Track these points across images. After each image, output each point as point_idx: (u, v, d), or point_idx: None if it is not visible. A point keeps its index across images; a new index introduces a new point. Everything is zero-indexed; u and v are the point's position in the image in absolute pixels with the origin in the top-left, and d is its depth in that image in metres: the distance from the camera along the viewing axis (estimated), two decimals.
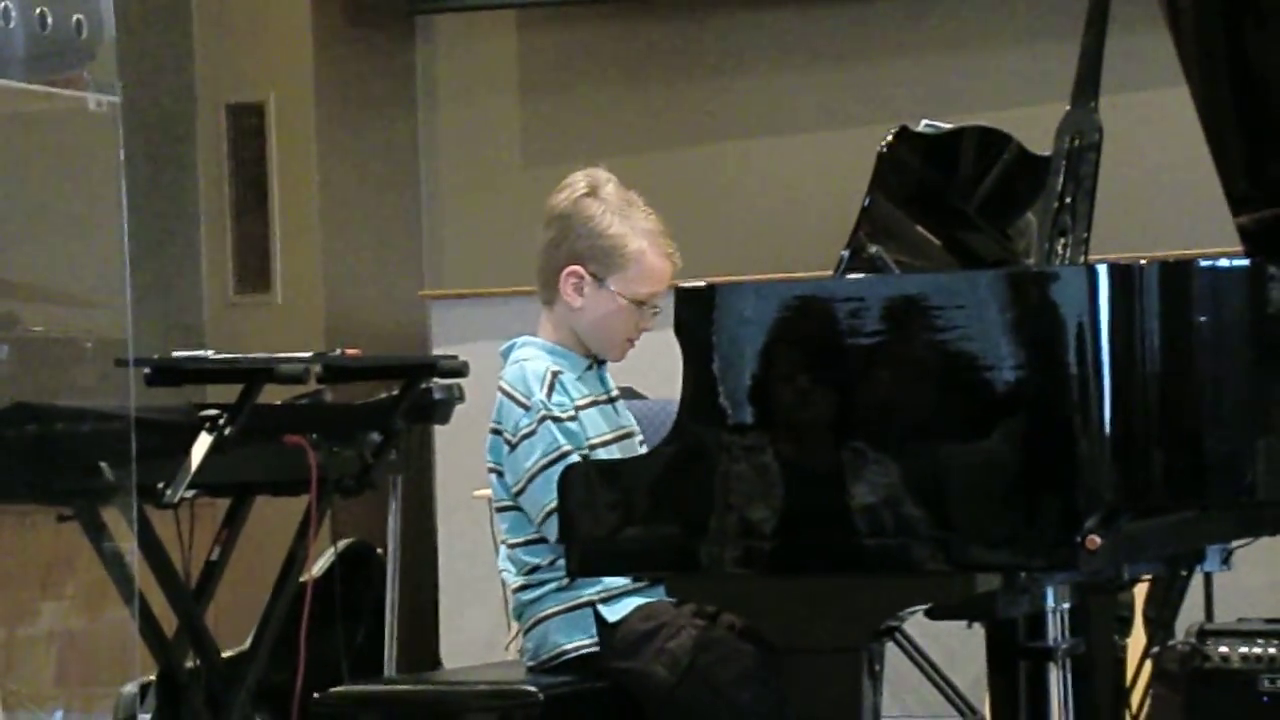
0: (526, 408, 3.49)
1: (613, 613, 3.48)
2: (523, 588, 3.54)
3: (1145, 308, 2.90)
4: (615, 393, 3.65)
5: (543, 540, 3.50)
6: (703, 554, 3.02)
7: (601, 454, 3.52)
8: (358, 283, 6.23)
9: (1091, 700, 3.56)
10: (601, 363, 3.63)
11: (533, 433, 3.47)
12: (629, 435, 3.62)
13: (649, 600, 3.48)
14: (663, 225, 3.60)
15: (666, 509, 3.05)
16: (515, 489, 3.50)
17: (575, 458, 3.45)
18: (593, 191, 3.56)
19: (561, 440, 3.47)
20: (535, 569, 3.52)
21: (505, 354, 3.59)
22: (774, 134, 6.07)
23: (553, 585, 3.50)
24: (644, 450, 3.60)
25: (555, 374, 3.52)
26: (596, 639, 3.49)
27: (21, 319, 4.14)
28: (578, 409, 3.53)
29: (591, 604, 3.49)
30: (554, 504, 3.16)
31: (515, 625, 3.63)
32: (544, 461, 3.45)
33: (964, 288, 2.95)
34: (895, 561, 2.94)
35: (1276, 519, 3.29)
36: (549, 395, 3.49)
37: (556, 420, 3.48)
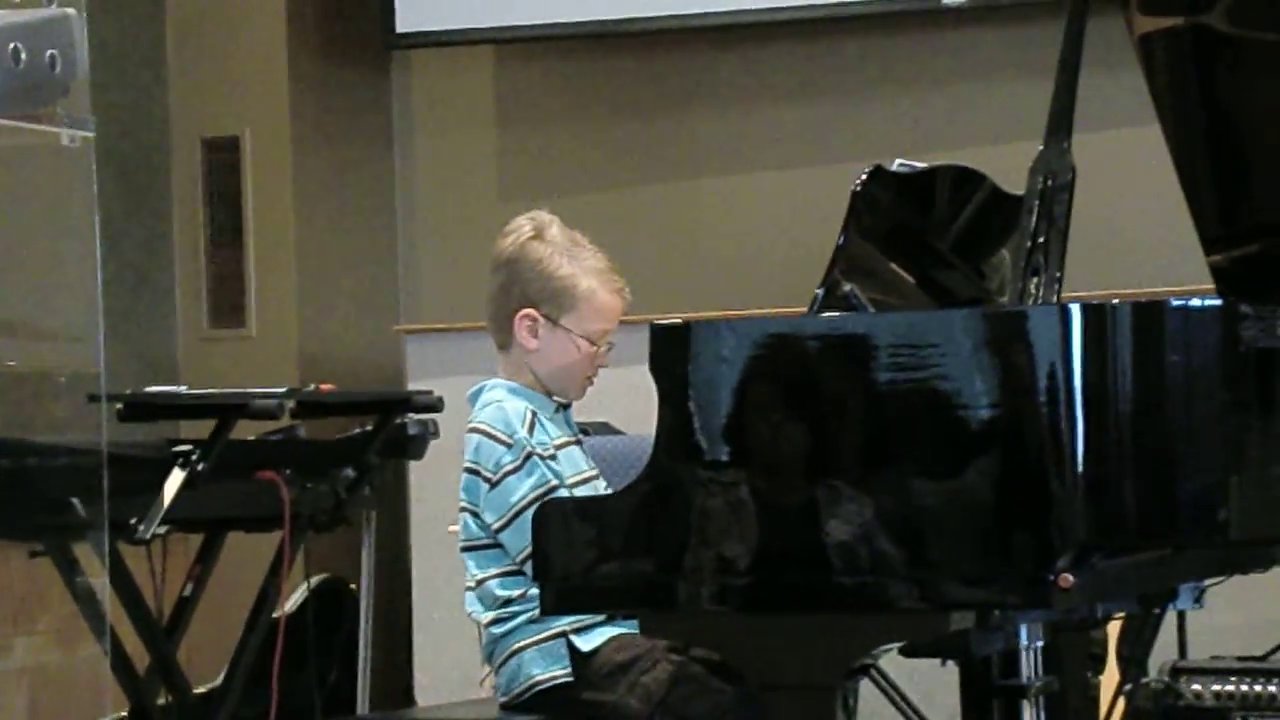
0: (509, 444, 3.49)
1: (586, 642, 3.49)
2: (494, 621, 3.54)
3: (1118, 347, 2.90)
4: (579, 435, 3.67)
5: (512, 574, 3.50)
6: (678, 591, 3.02)
7: (581, 492, 3.52)
8: (333, 317, 6.22)
9: None
10: (567, 405, 3.64)
11: (519, 468, 3.48)
12: (597, 476, 3.63)
13: (623, 631, 3.48)
14: (611, 262, 3.62)
15: (641, 546, 3.05)
16: (497, 525, 3.50)
17: (564, 493, 3.45)
18: (538, 234, 3.59)
19: (549, 476, 3.48)
20: (508, 601, 3.52)
21: (473, 398, 3.60)
22: (748, 171, 6.08)
23: (524, 618, 3.51)
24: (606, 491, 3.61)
25: (534, 414, 3.54)
26: (570, 669, 3.48)
27: None
28: (556, 448, 3.54)
29: (564, 634, 3.49)
30: None
31: (487, 665, 3.63)
32: (533, 495, 3.46)
33: (938, 326, 2.96)
34: (870, 599, 2.94)
35: (1249, 558, 3.30)
36: (530, 434, 3.50)
37: (540, 457, 3.49)
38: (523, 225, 3.62)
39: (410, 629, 5.81)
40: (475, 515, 3.54)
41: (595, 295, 3.57)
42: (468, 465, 3.54)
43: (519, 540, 3.46)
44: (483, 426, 3.53)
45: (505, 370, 3.62)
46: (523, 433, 3.49)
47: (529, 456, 3.48)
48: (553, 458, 3.52)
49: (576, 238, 3.62)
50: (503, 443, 3.50)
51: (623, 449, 3.93)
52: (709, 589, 3.00)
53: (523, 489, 3.47)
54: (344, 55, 6.31)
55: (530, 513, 3.39)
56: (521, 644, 3.51)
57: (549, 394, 3.61)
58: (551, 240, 3.59)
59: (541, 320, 3.57)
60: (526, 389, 3.59)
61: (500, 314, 3.61)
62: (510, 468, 3.48)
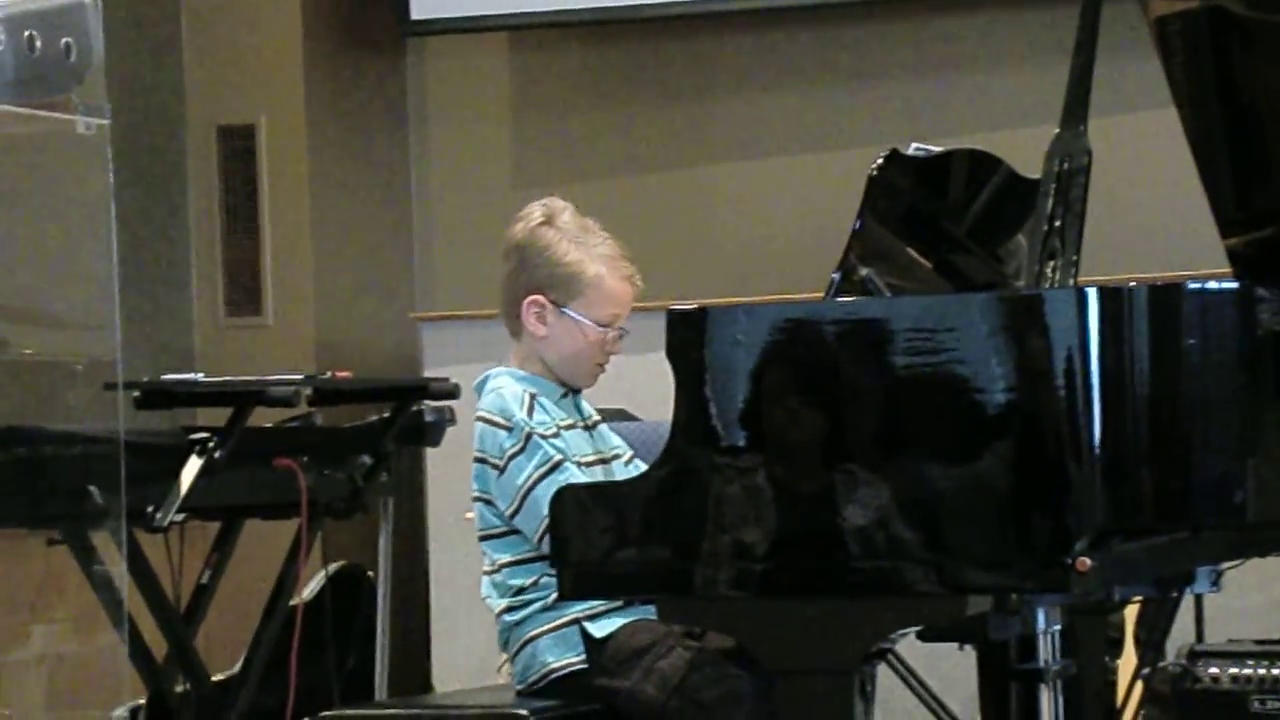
0: (509, 429, 3.50)
1: (599, 629, 3.49)
2: (508, 609, 3.54)
3: (1135, 330, 2.90)
4: (594, 418, 3.65)
5: (527, 561, 3.50)
6: (696, 576, 3.02)
7: (585, 474, 3.52)
8: (349, 305, 6.23)
9: None
10: (577, 391, 3.64)
11: (521, 450, 3.48)
12: (613, 458, 3.62)
13: (637, 618, 3.48)
14: (622, 249, 3.61)
15: (659, 531, 3.05)
16: (510, 510, 3.50)
17: (570, 466, 3.46)
18: (549, 220, 3.59)
19: (552, 452, 3.48)
20: (521, 590, 3.52)
21: (479, 387, 3.60)
22: (764, 156, 6.07)
23: (538, 605, 3.51)
24: (636, 468, 3.61)
25: (533, 396, 3.54)
26: (584, 656, 3.49)
27: (11, 342, 4.14)
28: (559, 429, 3.54)
29: (578, 621, 3.49)
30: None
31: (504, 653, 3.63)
32: (538, 474, 3.46)
33: (955, 310, 2.96)
34: (887, 583, 2.94)
35: (1266, 541, 3.29)
36: (529, 415, 3.50)
37: (543, 436, 3.49)
38: (534, 211, 3.62)
39: (428, 616, 5.82)
40: (488, 504, 3.54)
41: (603, 281, 3.57)
42: (476, 455, 3.54)
43: (532, 521, 3.46)
44: (484, 414, 3.54)
45: (517, 358, 3.62)
46: (521, 415, 3.49)
47: (529, 437, 3.48)
48: (556, 436, 3.52)
49: (588, 224, 3.61)
50: (502, 428, 3.50)
51: (639, 435, 3.92)
52: (726, 574, 3.00)
53: (527, 469, 3.47)
54: (359, 42, 6.31)
55: (539, 492, 3.41)
56: (535, 632, 3.51)
57: (560, 382, 3.61)
58: (561, 226, 3.58)
59: (549, 306, 3.57)
60: (534, 376, 3.58)
61: (509, 300, 3.60)
62: (513, 451, 3.49)
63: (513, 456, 3.49)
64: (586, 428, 3.63)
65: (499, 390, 3.54)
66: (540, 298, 3.57)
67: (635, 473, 3.60)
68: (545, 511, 3.34)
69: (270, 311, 6.17)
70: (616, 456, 3.64)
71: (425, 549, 5.86)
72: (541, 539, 3.44)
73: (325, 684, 4.77)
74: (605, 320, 3.57)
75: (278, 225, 6.17)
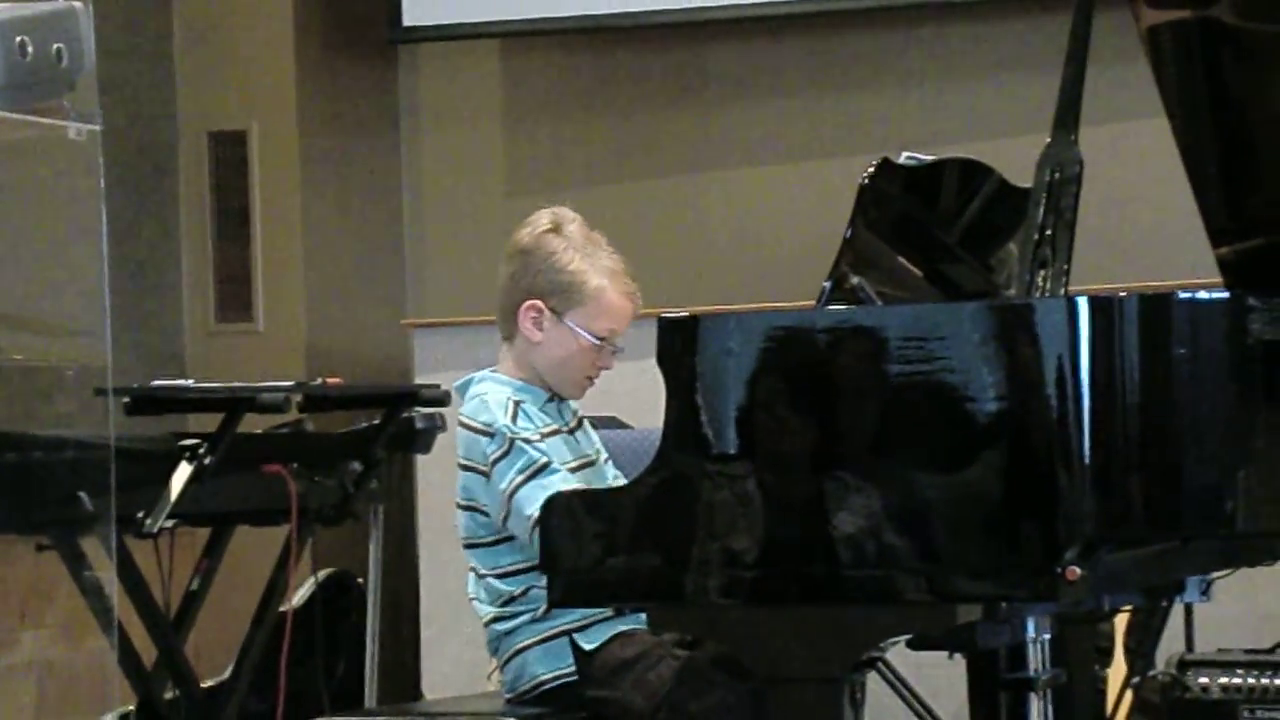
0: (491, 435, 3.49)
1: (589, 641, 3.49)
2: (496, 619, 3.54)
3: (1125, 340, 2.91)
4: (573, 423, 3.64)
5: (513, 573, 3.50)
6: (686, 584, 3.02)
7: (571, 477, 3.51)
8: (340, 311, 6.23)
9: None
10: (565, 398, 3.63)
11: (505, 454, 3.47)
12: (592, 462, 3.62)
13: (626, 628, 3.48)
14: (626, 265, 3.61)
15: (649, 539, 3.05)
16: (501, 516, 3.49)
17: (557, 467, 3.45)
18: (556, 228, 3.58)
19: (537, 456, 3.47)
20: (510, 600, 3.52)
21: (463, 389, 3.59)
22: (757, 164, 6.08)
23: (527, 617, 3.51)
24: (614, 471, 3.61)
25: (517, 403, 3.53)
26: (574, 668, 3.49)
27: (1, 347, 4.14)
28: (542, 435, 3.53)
29: (567, 633, 3.49)
30: (538, 513, 3.16)
31: (494, 660, 3.63)
32: (521, 478, 3.45)
33: (946, 319, 2.96)
34: (877, 592, 2.94)
35: (1256, 550, 3.30)
36: (513, 421, 3.49)
37: (527, 440, 3.48)
38: (542, 217, 3.61)
39: (417, 623, 5.81)
40: (473, 511, 3.53)
41: (604, 294, 3.56)
42: (460, 462, 3.53)
43: (520, 522, 3.45)
44: (465, 420, 3.53)
45: (507, 361, 3.61)
46: (503, 420, 3.48)
47: (512, 442, 3.47)
48: (539, 442, 3.50)
49: (594, 237, 3.61)
50: (483, 434, 3.49)
51: (630, 442, 3.93)
52: (716, 582, 3.00)
53: (510, 474, 3.46)
54: (351, 49, 6.31)
55: (522, 494, 3.41)
56: (525, 643, 3.51)
57: (547, 387, 3.60)
58: (568, 236, 3.58)
59: (547, 313, 3.56)
60: (519, 381, 3.57)
61: (508, 303, 3.60)
62: (495, 455, 3.48)
63: (495, 461, 3.48)
64: (570, 432, 3.62)
65: (482, 397, 3.54)
66: (539, 303, 3.56)
67: (613, 475, 3.61)
68: (528, 512, 3.34)
69: (261, 317, 6.17)
70: (596, 460, 3.63)
71: (415, 556, 5.86)
72: (532, 537, 3.43)
73: (315, 690, 4.77)
74: (601, 334, 3.56)
75: (269, 231, 6.17)
